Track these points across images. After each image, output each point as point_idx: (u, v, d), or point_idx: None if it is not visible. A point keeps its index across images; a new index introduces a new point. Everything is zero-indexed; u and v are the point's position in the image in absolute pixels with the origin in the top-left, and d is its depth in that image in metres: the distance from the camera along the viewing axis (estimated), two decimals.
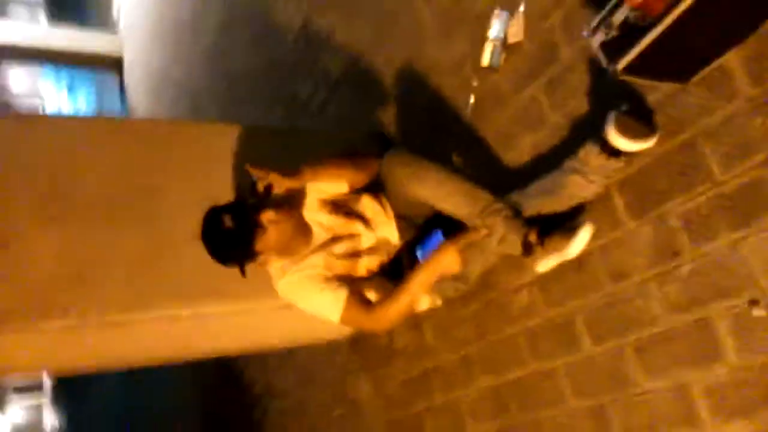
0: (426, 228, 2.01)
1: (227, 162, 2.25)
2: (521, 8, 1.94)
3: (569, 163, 1.69)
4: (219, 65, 4.85)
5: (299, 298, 1.95)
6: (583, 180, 1.65)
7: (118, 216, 1.96)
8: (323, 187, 2.01)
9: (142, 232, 1.99)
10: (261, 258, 1.86)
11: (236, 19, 4.47)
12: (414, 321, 2.50)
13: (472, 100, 2.14)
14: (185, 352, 2.51)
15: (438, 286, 2.00)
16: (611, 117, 1.51)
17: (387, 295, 1.90)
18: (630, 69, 1.37)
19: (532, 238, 1.73)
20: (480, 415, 2.18)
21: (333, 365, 3.21)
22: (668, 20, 1.22)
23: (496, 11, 2.00)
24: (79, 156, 1.98)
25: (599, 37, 1.37)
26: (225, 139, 2.32)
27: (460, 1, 2.22)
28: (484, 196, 1.81)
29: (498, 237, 1.78)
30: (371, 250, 2.03)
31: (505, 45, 2.01)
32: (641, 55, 1.32)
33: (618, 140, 1.49)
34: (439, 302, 2.10)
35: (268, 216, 1.80)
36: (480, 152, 2.10)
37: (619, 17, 1.31)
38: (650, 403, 1.60)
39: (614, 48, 1.36)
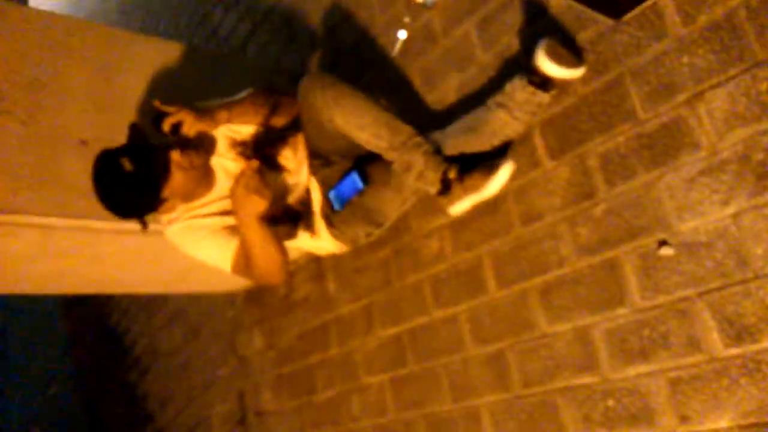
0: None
1: (132, 72, 2.04)
2: None
3: (494, 99, 1.63)
4: None
5: (190, 247, 1.78)
6: (508, 116, 1.60)
7: None
8: (236, 128, 1.84)
9: (24, 129, 1.74)
10: (165, 206, 1.67)
11: None
12: (317, 271, 2.38)
13: (401, 37, 2.05)
14: (57, 280, 2.24)
15: (349, 232, 1.90)
16: (542, 43, 1.47)
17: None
18: None
19: (452, 174, 1.67)
20: (375, 367, 2.09)
21: (224, 321, 3.02)
22: None
23: None
24: None
25: None
26: (133, 48, 2.11)
27: None
28: (405, 129, 1.71)
29: (416, 172, 1.69)
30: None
31: None
32: None
33: (547, 65, 1.45)
34: (345, 248, 1.98)
35: (175, 157, 1.61)
36: (405, 92, 2.02)
37: None
38: (550, 348, 1.57)
39: None
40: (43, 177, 1.76)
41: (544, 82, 1.49)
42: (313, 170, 1.94)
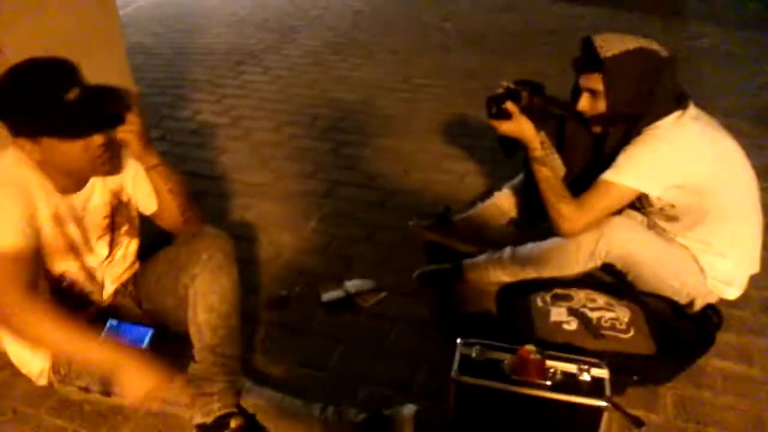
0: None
1: None
2: None
3: (317, 407, 1.55)
4: None
5: None
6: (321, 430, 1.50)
7: None
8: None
9: None
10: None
11: None
12: None
13: None
14: None
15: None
16: None
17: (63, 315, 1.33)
18: None
19: (234, 423, 1.48)
20: None
21: None
22: None
23: None
24: None
25: None
26: None
27: None
28: (237, 350, 1.58)
29: (206, 388, 1.51)
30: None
31: None
32: None
33: None
34: (47, 378, 1.60)
35: None
36: None
37: None
38: None
39: None
40: None
41: None
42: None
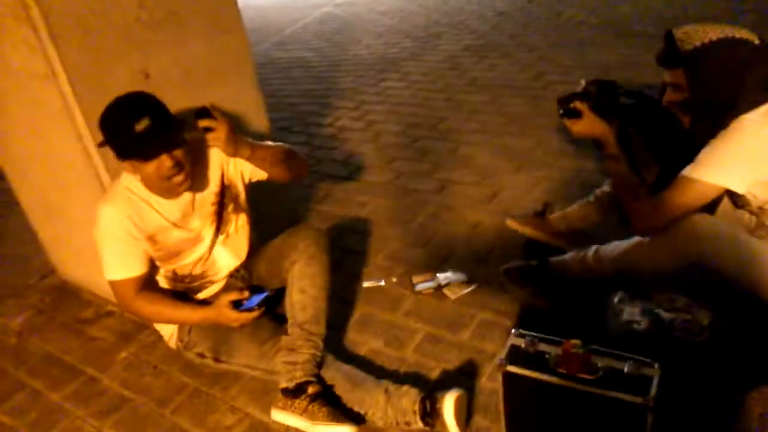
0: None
1: None
2: None
3: (389, 382, 1.71)
4: None
5: (103, 217, 1.73)
6: (384, 402, 1.65)
7: None
8: (241, 167, 1.89)
9: None
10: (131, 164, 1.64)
11: None
12: (128, 333, 2.23)
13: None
14: None
15: (194, 337, 1.90)
16: (453, 394, 1.60)
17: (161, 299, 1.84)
18: None
19: (311, 389, 1.71)
20: None
21: None
22: None
23: None
24: None
25: None
26: None
27: None
28: (322, 329, 1.83)
29: (292, 358, 1.75)
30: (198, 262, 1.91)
31: None
32: None
33: (448, 415, 1.57)
34: (174, 343, 1.96)
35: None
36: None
37: None
38: None
39: None
40: None
41: (428, 413, 1.60)
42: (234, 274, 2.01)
